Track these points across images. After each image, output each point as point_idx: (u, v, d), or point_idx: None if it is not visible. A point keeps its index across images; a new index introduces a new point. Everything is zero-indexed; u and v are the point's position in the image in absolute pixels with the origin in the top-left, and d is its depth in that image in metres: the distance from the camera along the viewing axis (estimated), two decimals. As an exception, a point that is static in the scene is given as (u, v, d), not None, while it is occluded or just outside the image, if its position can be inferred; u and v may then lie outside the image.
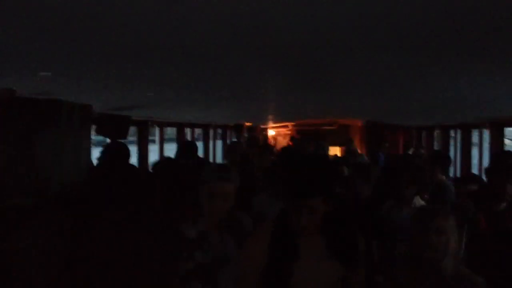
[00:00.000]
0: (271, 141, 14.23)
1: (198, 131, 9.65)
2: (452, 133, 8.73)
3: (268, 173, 4.17)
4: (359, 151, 13.71)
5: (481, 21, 1.82)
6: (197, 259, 2.39)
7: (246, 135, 10.82)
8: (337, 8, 1.66)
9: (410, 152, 9.74)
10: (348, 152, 9.63)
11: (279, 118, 12.14)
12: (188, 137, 9.02)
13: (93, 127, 5.27)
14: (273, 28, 1.97)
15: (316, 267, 2.10)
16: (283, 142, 14.24)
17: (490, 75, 3.30)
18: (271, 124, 14.03)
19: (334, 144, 13.08)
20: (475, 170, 7.23)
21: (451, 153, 8.14)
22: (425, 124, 10.21)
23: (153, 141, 8.33)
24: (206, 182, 2.49)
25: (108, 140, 5.62)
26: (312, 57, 2.76)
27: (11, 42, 2.15)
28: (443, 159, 5.26)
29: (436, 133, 9.60)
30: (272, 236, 2.14)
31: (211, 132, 9.96)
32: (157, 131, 7.59)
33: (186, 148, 4.97)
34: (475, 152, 7.67)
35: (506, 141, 7.93)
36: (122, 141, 5.49)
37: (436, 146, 9.73)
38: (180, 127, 8.15)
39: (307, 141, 10.71)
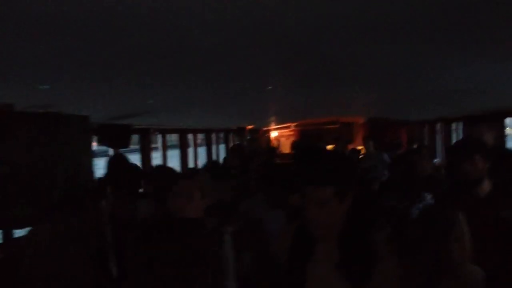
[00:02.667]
0: (274, 143, 14.23)
1: (200, 136, 9.67)
2: (453, 126, 8.73)
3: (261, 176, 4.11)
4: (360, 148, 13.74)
5: (483, 12, 1.82)
6: None
7: (248, 137, 10.83)
8: (338, 3, 1.66)
9: (415, 146, 9.73)
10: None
11: (281, 119, 12.15)
12: (191, 143, 9.05)
13: (94, 137, 5.29)
14: (273, 25, 1.97)
15: (325, 279, 1.97)
16: (286, 143, 14.24)
17: (490, 65, 3.30)
18: (273, 126, 14.03)
19: (337, 143, 13.08)
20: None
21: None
22: (427, 118, 10.19)
23: (156, 148, 8.36)
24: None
25: (110, 150, 5.65)
26: (313, 52, 2.76)
27: (9, 55, 2.17)
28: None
29: (439, 126, 9.59)
30: (295, 234, 2.09)
31: (214, 137, 9.98)
32: (159, 138, 7.62)
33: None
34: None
35: (509, 131, 7.94)
36: (124, 150, 5.53)
37: (438, 140, 9.72)
38: (182, 133, 8.18)
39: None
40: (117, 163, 3.43)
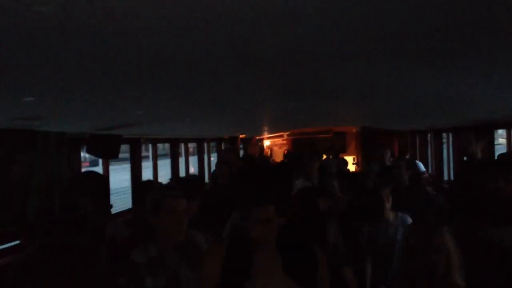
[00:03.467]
0: (267, 152, 14.25)
1: (192, 145, 9.66)
2: (444, 136, 8.78)
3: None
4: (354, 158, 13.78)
5: (468, 25, 1.84)
6: (147, 285, 2.38)
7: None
8: (325, 18, 1.67)
9: (407, 156, 9.79)
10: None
11: (274, 128, 12.17)
12: (182, 152, 9.04)
13: (84, 147, 5.28)
14: (262, 40, 1.99)
15: (270, 284, 2.10)
16: (279, 152, 14.27)
17: (479, 78, 3.33)
18: (266, 135, 14.06)
19: (330, 152, 13.14)
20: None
21: (444, 156, 8.19)
22: (418, 128, 10.24)
23: (147, 157, 8.35)
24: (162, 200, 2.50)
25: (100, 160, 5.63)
26: (302, 67, 2.79)
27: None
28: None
29: (429, 136, 9.64)
30: (227, 253, 2.16)
31: (205, 146, 9.98)
32: (150, 147, 7.60)
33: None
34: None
35: (501, 140, 7.98)
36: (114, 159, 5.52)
37: (429, 150, 9.77)
38: (174, 143, 8.17)
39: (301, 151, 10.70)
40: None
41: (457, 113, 6.01)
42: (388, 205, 4.04)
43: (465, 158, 5.39)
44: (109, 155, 5.41)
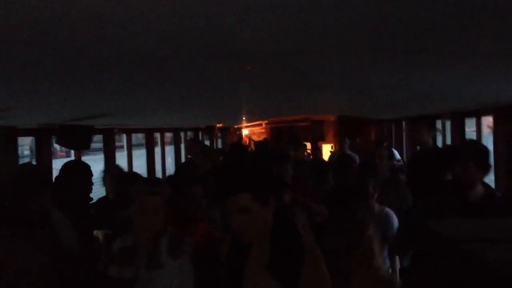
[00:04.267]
0: (245, 141, 14.25)
1: (168, 135, 9.62)
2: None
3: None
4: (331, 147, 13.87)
5: (438, 20, 1.86)
6: (112, 274, 2.38)
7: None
8: (301, 14, 1.67)
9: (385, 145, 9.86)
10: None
11: (252, 117, 12.17)
12: (158, 142, 9.00)
13: (55, 139, 5.23)
14: (238, 34, 1.97)
15: (259, 281, 2.01)
16: (257, 140, 14.29)
17: (452, 70, 3.38)
18: (244, 124, 14.05)
19: (308, 141, 13.21)
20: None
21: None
22: (394, 117, 10.34)
23: (122, 147, 8.28)
24: (136, 197, 2.49)
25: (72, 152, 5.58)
26: (280, 61, 2.79)
27: None
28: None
29: (404, 124, 9.74)
30: (230, 246, 2.12)
31: (182, 135, 9.93)
32: (124, 138, 7.55)
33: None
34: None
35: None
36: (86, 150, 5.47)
37: (405, 138, 9.88)
38: (149, 133, 8.12)
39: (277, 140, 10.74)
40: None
41: (428, 104, 6.08)
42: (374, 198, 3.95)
43: (418, 148, 5.46)
44: (81, 146, 5.36)
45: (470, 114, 6.37)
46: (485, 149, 2.89)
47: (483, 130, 6.28)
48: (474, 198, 2.74)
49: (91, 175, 3.82)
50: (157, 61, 2.57)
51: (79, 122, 5.20)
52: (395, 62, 3.04)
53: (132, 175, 4.41)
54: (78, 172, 3.69)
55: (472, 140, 4.65)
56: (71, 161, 4.24)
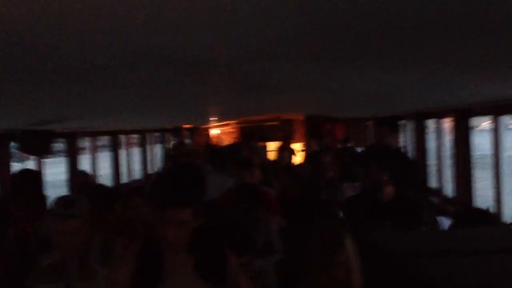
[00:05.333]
0: (214, 141, 14.23)
1: (134, 136, 9.52)
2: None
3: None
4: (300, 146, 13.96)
5: (393, 25, 1.90)
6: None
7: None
8: (262, 21, 1.68)
9: (349, 144, 9.96)
10: None
11: (221, 118, 12.15)
12: (123, 145, 8.90)
13: (15, 145, 5.12)
14: (202, 39, 1.97)
15: (182, 286, 2.07)
16: (227, 140, 14.28)
17: (412, 72, 3.45)
18: (213, 124, 14.03)
19: (278, 140, 13.28)
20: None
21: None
22: (361, 116, 10.48)
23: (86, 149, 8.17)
24: (52, 219, 2.43)
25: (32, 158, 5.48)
26: (244, 66, 2.81)
27: None
28: None
29: (369, 124, 9.88)
30: (138, 256, 2.10)
31: (149, 137, 9.85)
32: (88, 141, 7.44)
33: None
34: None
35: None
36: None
37: (370, 138, 10.02)
38: (114, 135, 8.02)
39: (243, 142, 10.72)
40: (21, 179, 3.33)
41: (390, 105, 6.19)
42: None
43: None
44: (41, 152, 5.27)
45: (430, 115, 6.50)
46: (386, 153, 3.08)
47: (443, 130, 6.43)
48: (383, 199, 2.94)
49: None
50: (119, 67, 2.55)
51: (39, 127, 5.11)
52: (351, 66, 3.10)
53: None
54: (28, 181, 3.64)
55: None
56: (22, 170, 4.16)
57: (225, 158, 6.11)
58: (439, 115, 6.23)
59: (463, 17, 1.68)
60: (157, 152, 10.31)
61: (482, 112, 5.20)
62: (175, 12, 1.54)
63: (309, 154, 7.90)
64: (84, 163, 6.96)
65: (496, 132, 4.85)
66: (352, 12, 1.63)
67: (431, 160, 6.86)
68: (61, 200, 2.48)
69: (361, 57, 2.77)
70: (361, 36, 2.14)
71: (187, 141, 12.34)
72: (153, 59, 2.34)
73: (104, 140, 8.40)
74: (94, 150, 7.47)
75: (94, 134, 7.37)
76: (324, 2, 1.50)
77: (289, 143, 12.41)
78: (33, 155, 5.45)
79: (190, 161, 5.49)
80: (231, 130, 14.81)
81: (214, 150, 9.46)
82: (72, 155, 6.42)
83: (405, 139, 7.63)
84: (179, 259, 2.09)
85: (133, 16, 1.56)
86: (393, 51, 2.55)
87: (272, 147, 12.88)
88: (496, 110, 4.73)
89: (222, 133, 14.86)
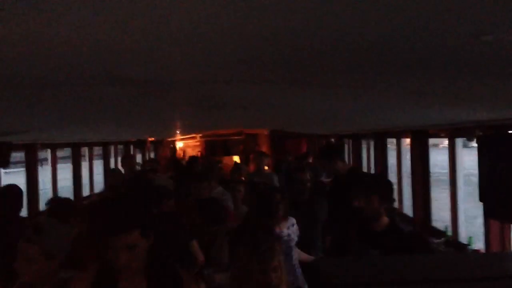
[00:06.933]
0: (179, 153, 14.16)
1: (97, 149, 9.39)
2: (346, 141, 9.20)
3: None
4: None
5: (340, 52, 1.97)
6: None
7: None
8: (222, 48, 1.73)
9: (310, 160, 10.03)
10: None
11: (185, 131, 12.12)
12: (86, 157, 8.77)
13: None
14: (165, 62, 2.00)
15: None
16: (192, 153, 14.23)
17: (369, 97, 3.55)
18: (178, 137, 13.96)
19: (242, 153, 13.32)
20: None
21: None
22: (323, 133, 10.64)
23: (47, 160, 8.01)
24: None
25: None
26: (204, 85, 2.84)
27: None
28: None
29: (331, 141, 10.04)
30: (93, 283, 2.06)
31: (112, 149, 9.74)
32: (48, 153, 7.31)
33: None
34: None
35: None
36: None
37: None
38: (75, 147, 7.90)
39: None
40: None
41: (349, 123, 6.33)
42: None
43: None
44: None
45: (390, 135, 6.67)
46: (388, 184, 3.07)
47: (402, 148, 6.60)
48: (377, 229, 2.89)
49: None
50: (83, 86, 2.55)
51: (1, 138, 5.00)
52: (309, 88, 3.18)
53: None
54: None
55: (377, 175, 4.86)
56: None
57: (183, 172, 6.09)
58: (398, 134, 6.40)
59: (416, 49, 1.77)
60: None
61: (438, 134, 5.38)
62: (140, 37, 1.58)
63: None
64: (45, 175, 6.83)
65: (452, 152, 5.02)
66: (316, 37, 1.70)
67: (392, 178, 7.02)
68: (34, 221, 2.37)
69: (320, 80, 2.86)
70: (318, 61, 2.22)
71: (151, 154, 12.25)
72: (116, 79, 2.37)
73: (66, 151, 8.25)
74: (55, 161, 7.33)
75: (55, 146, 7.24)
76: (283, 30, 1.57)
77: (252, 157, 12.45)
78: (-10, 166, 5.31)
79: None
80: (196, 143, 14.77)
81: (177, 163, 9.44)
82: (31, 167, 6.29)
83: (367, 156, 7.81)
84: (134, 284, 2.05)
85: (99, 39, 1.59)
86: (353, 76, 2.64)
87: (236, 160, 12.87)
88: (450, 132, 4.91)
89: (187, 146, 14.79)
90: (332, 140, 10.13)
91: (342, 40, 1.71)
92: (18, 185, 4.03)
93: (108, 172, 6.41)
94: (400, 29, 1.51)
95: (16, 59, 1.85)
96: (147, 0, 1.19)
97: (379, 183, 3.04)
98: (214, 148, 14.18)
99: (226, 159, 13.68)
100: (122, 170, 6.49)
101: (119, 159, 9.02)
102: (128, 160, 7.52)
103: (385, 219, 2.91)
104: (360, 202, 2.87)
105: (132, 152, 10.66)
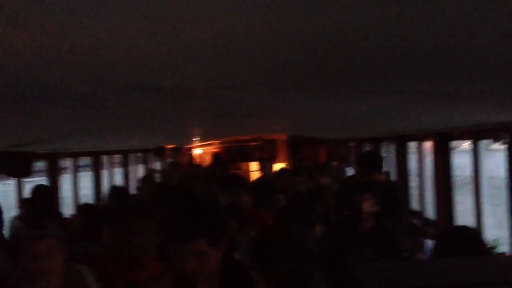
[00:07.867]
0: (197, 161, 14.19)
1: (117, 156, 9.45)
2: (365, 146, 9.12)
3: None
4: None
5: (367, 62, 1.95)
6: None
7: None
8: (240, 56, 1.72)
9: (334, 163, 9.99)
10: None
11: (203, 138, 12.16)
12: (106, 165, 8.83)
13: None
14: (185, 69, 2.00)
15: None
16: (209, 160, 14.26)
17: (391, 99, 3.53)
18: (196, 144, 14.00)
19: (260, 160, 13.30)
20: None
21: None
22: (342, 137, 10.58)
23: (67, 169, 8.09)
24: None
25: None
26: (224, 93, 2.86)
27: None
28: None
29: (350, 146, 9.98)
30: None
31: (132, 157, 9.80)
32: (70, 162, 7.38)
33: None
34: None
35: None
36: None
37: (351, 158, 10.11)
38: (96, 156, 7.96)
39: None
40: None
41: (370, 127, 6.27)
42: None
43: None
44: (21, 173, 5.21)
45: (412, 138, 6.60)
46: (381, 186, 3.17)
47: (424, 152, 6.51)
48: (365, 229, 3.04)
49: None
50: (105, 94, 2.56)
51: (20, 149, 5.05)
52: (331, 92, 3.17)
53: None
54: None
55: (369, 180, 4.90)
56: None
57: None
58: (420, 138, 6.32)
59: (440, 50, 1.73)
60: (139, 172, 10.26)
61: (461, 137, 5.29)
62: (162, 46, 1.58)
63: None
64: (66, 183, 6.90)
65: (475, 155, 4.93)
66: (335, 42, 1.68)
67: (413, 182, 6.93)
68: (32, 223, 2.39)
69: (340, 84, 2.84)
70: (339, 65, 2.20)
71: (171, 161, 12.31)
72: (137, 88, 2.37)
73: (86, 160, 8.33)
74: (76, 170, 7.40)
75: (76, 155, 7.31)
76: (303, 36, 1.55)
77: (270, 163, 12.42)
78: (12, 176, 5.38)
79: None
80: (214, 150, 14.79)
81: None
82: (53, 176, 6.35)
83: (387, 161, 7.72)
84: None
85: (121, 49, 1.59)
86: (373, 79, 2.61)
87: (254, 167, 12.87)
88: (474, 134, 4.83)
89: (205, 152, 14.82)
90: (351, 144, 10.06)
91: (366, 43, 1.69)
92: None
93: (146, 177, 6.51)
94: (428, 30, 1.47)
95: (43, 70, 1.86)
96: (174, 8, 1.18)
97: (372, 186, 3.18)
98: (232, 154, 14.19)
99: (243, 165, 13.70)
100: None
101: (140, 166, 9.08)
102: (176, 165, 7.64)
103: (371, 220, 3.06)
104: (353, 204, 2.98)
105: (151, 160, 10.72)
